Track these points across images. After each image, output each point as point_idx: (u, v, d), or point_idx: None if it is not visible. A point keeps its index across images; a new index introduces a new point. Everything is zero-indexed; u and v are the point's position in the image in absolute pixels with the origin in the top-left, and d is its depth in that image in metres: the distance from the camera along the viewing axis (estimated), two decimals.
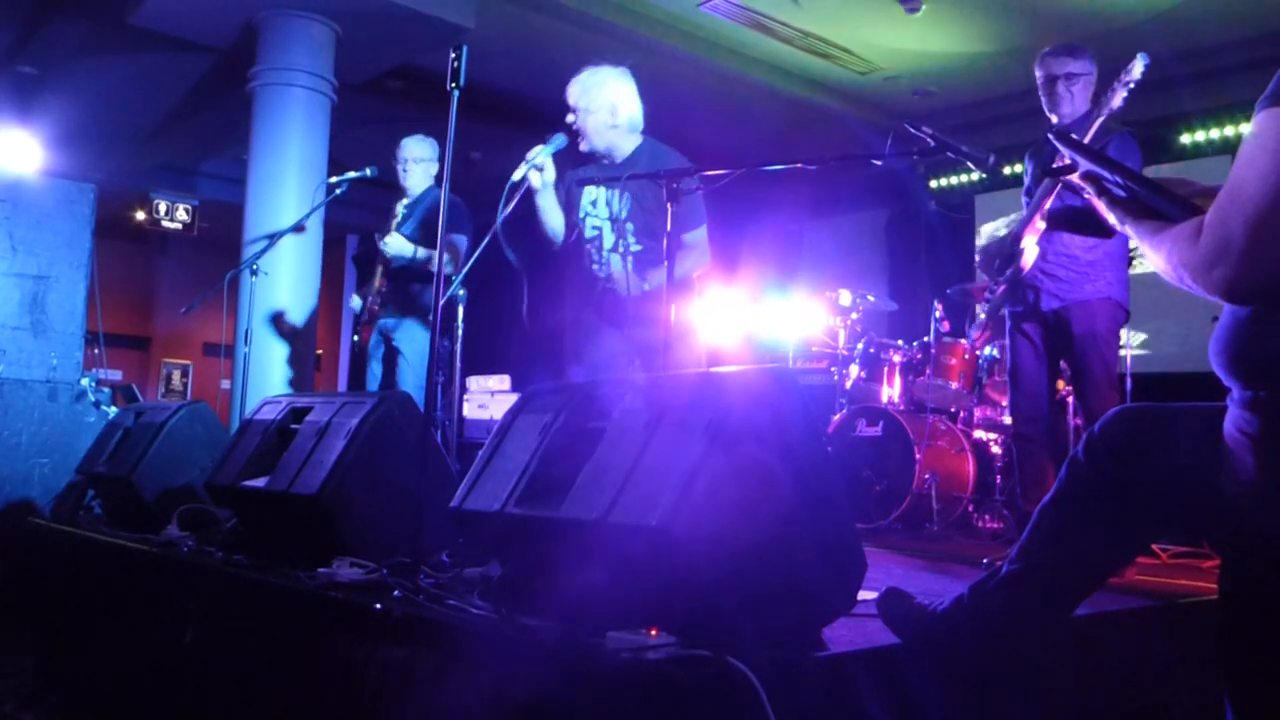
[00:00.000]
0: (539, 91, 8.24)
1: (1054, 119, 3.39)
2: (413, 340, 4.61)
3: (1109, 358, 3.30)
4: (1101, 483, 1.61)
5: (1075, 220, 3.24)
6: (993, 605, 1.73)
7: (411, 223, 4.64)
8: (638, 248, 3.47)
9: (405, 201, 4.73)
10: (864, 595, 1.89)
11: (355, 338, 4.80)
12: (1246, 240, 1.27)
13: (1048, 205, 3.34)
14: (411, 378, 4.56)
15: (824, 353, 6.34)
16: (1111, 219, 1.58)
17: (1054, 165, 3.21)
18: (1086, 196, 1.66)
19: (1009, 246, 3.41)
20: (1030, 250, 3.33)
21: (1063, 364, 3.57)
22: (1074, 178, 3.22)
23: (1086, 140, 3.15)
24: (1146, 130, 6.28)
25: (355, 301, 4.77)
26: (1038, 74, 3.43)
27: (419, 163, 4.76)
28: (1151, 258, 1.47)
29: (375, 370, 4.72)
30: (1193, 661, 2.22)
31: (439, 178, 4.81)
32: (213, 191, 11.23)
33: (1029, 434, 3.40)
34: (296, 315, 6.28)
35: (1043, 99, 3.43)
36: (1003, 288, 3.45)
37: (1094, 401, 3.28)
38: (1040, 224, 3.33)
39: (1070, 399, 4.89)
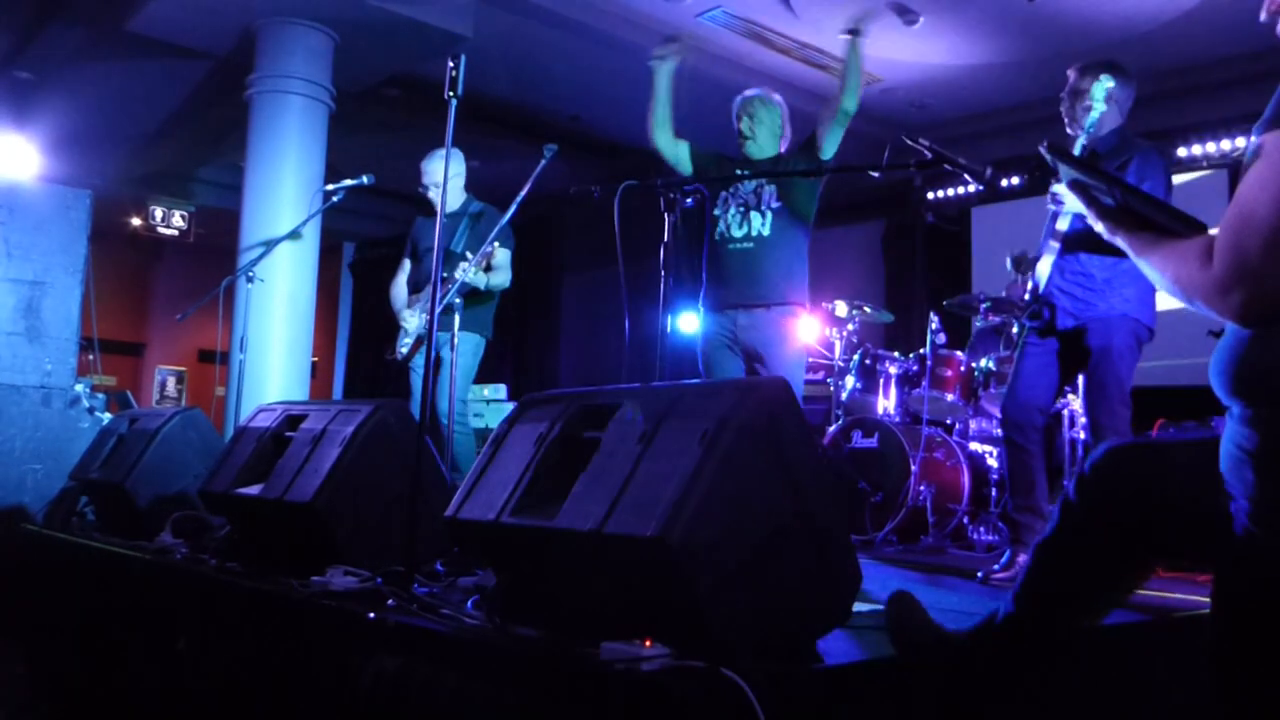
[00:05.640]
0: (536, 100, 8.28)
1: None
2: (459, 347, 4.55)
3: (1123, 374, 3.26)
4: (1096, 521, 1.60)
5: (1088, 238, 3.24)
6: (997, 651, 1.73)
7: (461, 238, 4.60)
8: None
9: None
10: (859, 607, 1.88)
11: (401, 353, 4.62)
12: (1266, 264, 1.25)
13: (1060, 226, 3.36)
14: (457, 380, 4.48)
15: (820, 364, 6.34)
16: (1100, 228, 1.58)
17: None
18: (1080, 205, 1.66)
19: (1031, 264, 3.44)
20: (1044, 269, 3.36)
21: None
22: (1061, 186, 3.24)
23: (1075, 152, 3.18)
24: None
25: (412, 322, 4.61)
26: None
27: (453, 178, 4.64)
28: (1149, 273, 1.46)
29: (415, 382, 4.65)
30: (1186, 676, 2.21)
31: (468, 188, 4.81)
32: (209, 198, 11.22)
33: (1015, 440, 3.39)
34: (292, 322, 6.27)
35: None
36: (1024, 306, 3.47)
37: (1104, 416, 3.27)
38: (1054, 244, 3.36)
39: (1066, 411, 4.90)
